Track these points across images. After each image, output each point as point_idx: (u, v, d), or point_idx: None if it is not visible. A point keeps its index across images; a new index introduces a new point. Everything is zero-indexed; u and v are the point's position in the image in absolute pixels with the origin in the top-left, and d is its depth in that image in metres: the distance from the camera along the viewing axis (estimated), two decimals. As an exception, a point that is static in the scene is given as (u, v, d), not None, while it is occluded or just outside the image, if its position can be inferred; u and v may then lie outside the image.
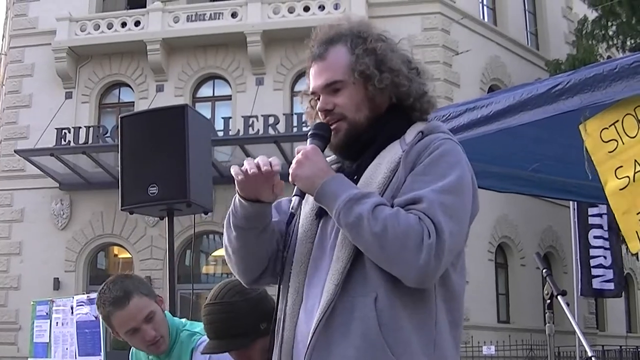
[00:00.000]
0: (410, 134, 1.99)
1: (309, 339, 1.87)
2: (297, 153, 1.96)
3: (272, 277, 2.09)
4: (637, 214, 3.26)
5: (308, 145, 1.99)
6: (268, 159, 1.93)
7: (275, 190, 1.96)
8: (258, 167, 1.91)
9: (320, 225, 2.02)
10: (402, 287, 1.84)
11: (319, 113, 2.05)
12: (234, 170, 1.93)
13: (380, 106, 2.03)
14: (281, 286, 2.03)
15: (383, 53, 2.02)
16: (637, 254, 3.41)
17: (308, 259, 2.00)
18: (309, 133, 2.03)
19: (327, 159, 2.06)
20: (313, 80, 2.06)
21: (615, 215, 3.43)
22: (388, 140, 2.00)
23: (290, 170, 1.94)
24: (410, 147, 1.94)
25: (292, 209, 1.96)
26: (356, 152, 2.03)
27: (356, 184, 1.93)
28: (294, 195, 1.97)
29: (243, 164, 1.94)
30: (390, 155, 1.95)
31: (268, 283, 2.10)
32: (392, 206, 1.85)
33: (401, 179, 1.90)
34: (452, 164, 1.91)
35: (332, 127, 2.02)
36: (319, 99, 2.06)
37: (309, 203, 2.06)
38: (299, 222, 2.06)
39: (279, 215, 2.12)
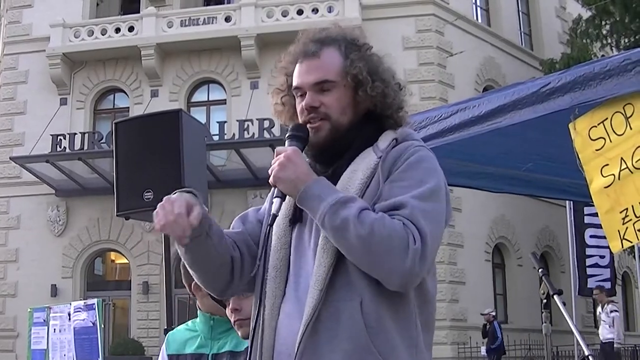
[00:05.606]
0: (384, 141, 2.02)
1: (297, 345, 1.88)
2: (277, 155, 1.95)
3: (240, 286, 2.07)
4: (620, 212, 3.25)
5: (288, 146, 1.98)
6: (172, 206, 1.86)
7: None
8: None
9: (295, 231, 2.02)
10: (385, 290, 1.86)
11: (304, 109, 2.04)
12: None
13: (362, 111, 2.05)
14: (257, 294, 2.03)
15: (376, 63, 2.06)
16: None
17: (285, 265, 2.01)
18: (288, 135, 2.02)
19: None
20: (301, 76, 2.05)
21: (599, 214, 3.42)
22: (363, 147, 2.02)
23: (272, 172, 1.93)
24: (386, 154, 1.97)
25: (274, 210, 1.95)
26: (332, 155, 2.04)
27: None
28: (275, 197, 1.96)
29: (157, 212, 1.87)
30: (365, 162, 1.98)
31: (238, 293, 2.07)
32: (374, 212, 1.86)
33: (378, 186, 1.93)
34: (428, 170, 1.95)
35: (313, 126, 2.02)
36: (301, 95, 2.06)
37: (281, 211, 2.03)
38: (272, 231, 2.04)
39: (244, 225, 2.12)
